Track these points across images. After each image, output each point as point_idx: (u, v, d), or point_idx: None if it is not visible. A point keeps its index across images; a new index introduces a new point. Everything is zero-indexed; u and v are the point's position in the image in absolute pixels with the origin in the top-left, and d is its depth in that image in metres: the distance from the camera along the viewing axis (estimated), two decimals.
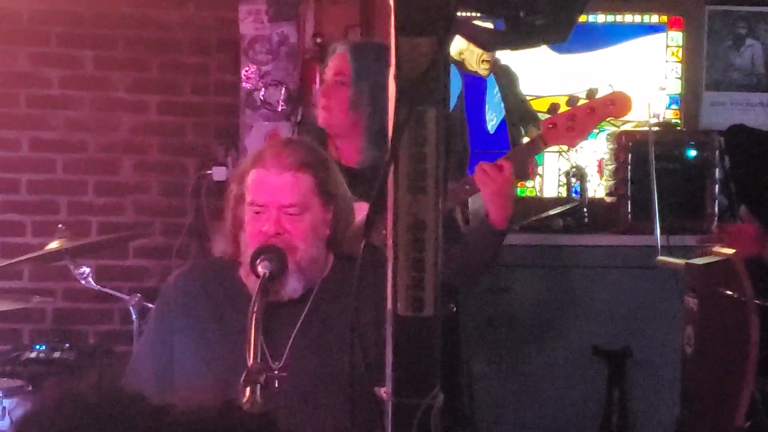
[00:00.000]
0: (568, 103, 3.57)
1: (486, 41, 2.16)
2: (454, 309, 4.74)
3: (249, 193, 2.78)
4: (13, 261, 4.50)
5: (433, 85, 1.77)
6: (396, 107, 1.76)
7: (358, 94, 3.72)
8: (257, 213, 2.75)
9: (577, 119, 3.50)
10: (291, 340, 2.80)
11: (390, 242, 1.78)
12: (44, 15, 5.34)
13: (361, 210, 3.03)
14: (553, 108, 4.40)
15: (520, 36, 2.02)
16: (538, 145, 3.67)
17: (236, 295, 2.82)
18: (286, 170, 2.75)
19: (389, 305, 1.79)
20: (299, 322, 2.81)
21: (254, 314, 2.58)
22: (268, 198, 2.75)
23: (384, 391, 1.81)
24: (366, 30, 5.15)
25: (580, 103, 3.56)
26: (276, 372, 2.47)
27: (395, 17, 1.76)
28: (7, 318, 5.06)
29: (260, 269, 2.72)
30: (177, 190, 5.36)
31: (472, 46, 5.16)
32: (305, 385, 2.73)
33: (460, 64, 5.25)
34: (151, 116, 5.42)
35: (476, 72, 5.25)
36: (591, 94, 3.58)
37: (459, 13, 1.83)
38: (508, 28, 2.00)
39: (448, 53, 1.84)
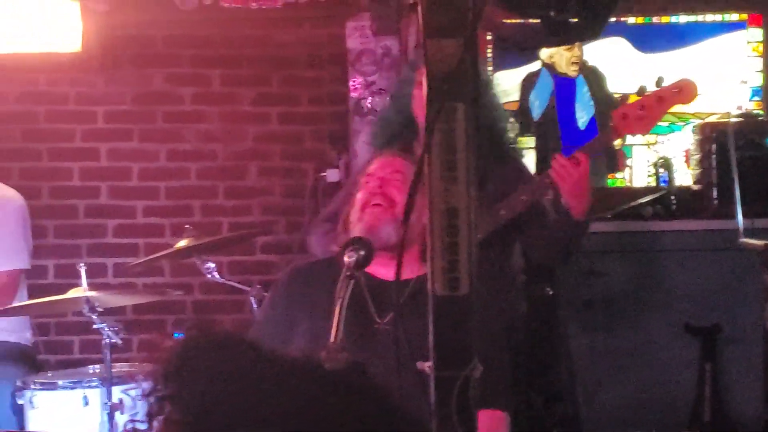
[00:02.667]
0: (637, 93, 3.47)
1: (522, 40, 2.13)
2: (551, 292, 4.70)
3: (368, 175, 3.04)
4: (148, 258, 4.62)
5: (461, 82, 1.75)
6: (427, 104, 1.75)
7: None
8: (366, 183, 2.99)
9: (647, 108, 3.42)
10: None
11: (427, 228, 1.77)
12: (176, 39, 5.45)
13: None
14: (624, 99, 4.30)
15: (554, 34, 1.99)
16: (610, 136, 3.59)
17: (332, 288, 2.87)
18: (396, 158, 3.05)
19: (429, 286, 1.79)
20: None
21: (339, 299, 2.62)
22: (376, 171, 3.03)
23: (427, 366, 1.80)
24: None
25: (648, 92, 3.48)
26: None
27: (424, 20, 1.75)
28: (152, 309, 5.18)
29: (346, 258, 2.75)
30: (297, 191, 5.41)
31: (561, 50, 5.09)
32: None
33: (551, 67, 5.19)
34: (273, 126, 5.49)
35: (566, 73, 5.18)
36: (659, 82, 3.49)
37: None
38: (542, 26, 1.97)
39: (476, 52, 1.82)
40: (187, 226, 4.41)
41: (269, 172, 5.48)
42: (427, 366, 1.78)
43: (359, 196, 2.96)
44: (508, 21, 3.04)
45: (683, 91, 3.44)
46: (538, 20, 2.00)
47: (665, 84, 3.46)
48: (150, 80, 5.46)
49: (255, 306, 4.24)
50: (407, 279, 2.80)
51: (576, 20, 1.96)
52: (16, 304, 4.70)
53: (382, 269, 2.91)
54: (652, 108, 3.42)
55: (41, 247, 5.05)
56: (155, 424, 1.31)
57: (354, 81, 5.20)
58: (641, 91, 3.45)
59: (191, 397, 1.28)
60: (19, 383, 4.33)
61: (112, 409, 4.00)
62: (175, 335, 5.01)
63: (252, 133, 5.49)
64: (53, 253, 5.40)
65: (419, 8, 1.73)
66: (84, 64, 5.30)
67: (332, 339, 2.47)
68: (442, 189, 1.75)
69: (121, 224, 5.47)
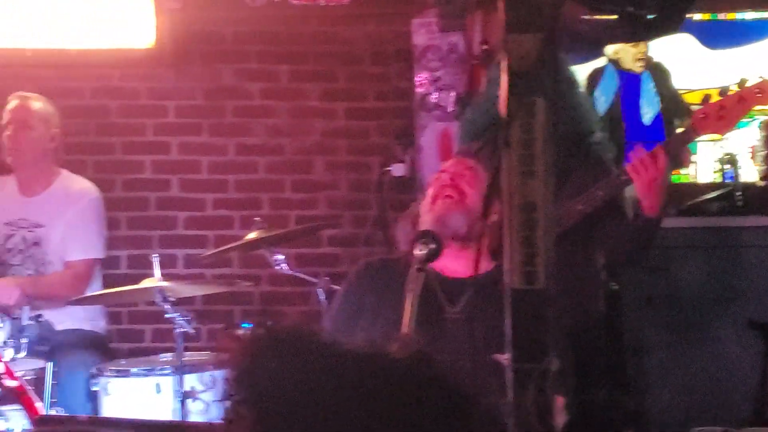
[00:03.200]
0: (719, 93, 3.43)
1: (597, 36, 2.11)
2: (615, 287, 4.66)
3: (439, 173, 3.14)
4: (219, 249, 4.66)
5: (540, 77, 1.74)
6: (507, 98, 1.75)
7: None
8: (436, 179, 3.08)
9: (727, 109, 3.39)
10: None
11: (505, 222, 1.77)
12: (245, 36, 5.48)
13: None
14: (705, 99, 4.28)
15: (631, 30, 1.97)
16: (690, 135, 3.56)
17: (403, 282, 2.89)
18: (466, 158, 3.19)
19: (506, 279, 1.78)
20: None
21: (411, 291, 2.64)
22: (446, 169, 3.10)
23: (504, 358, 1.80)
24: None
25: (731, 92, 3.44)
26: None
27: (504, 16, 1.74)
28: (220, 300, 5.21)
29: (416, 251, 2.77)
30: (363, 185, 5.42)
31: (627, 46, 5.05)
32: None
33: (616, 63, 5.14)
34: (339, 121, 5.50)
35: (631, 69, 5.14)
36: (742, 83, 3.45)
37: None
38: (620, 22, 1.96)
39: (556, 48, 1.81)
40: (256, 219, 4.44)
41: (335, 166, 5.49)
42: (504, 358, 1.77)
43: (430, 190, 2.98)
44: (585, 17, 3.03)
45: (764, 92, 3.39)
46: (615, 16, 1.99)
47: (748, 84, 3.42)
48: (220, 76, 5.49)
49: (322, 298, 4.26)
50: (477, 274, 2.80)
51: (653, 16, 1.94)
52: (91, 293, 4.78)
53: (452, 263, 2.92)
54: (733, 109, 3.38)
55: (114, 238, 5.11)
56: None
57: (420, 77, 5.19)
58: (723, 92, 3.41)
59: (262, 395, 1.29)
60: (93, 370, 4.39)
61: (184, 397, 4.05)
62: (243, 325, 5.05)
63: (319, 128, 5.51)
64: (126, 244, 5.46)
65: (500, 4, 1.72)
66: (156, 59, 5.35)
67: (403, 330, 2.48)
68: (519, 183, 1.74)
69: (191, 216, 5.52)
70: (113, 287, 4.87)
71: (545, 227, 1.74)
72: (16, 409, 3.95)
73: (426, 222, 2.93)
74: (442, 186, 2.99)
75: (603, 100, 5.16)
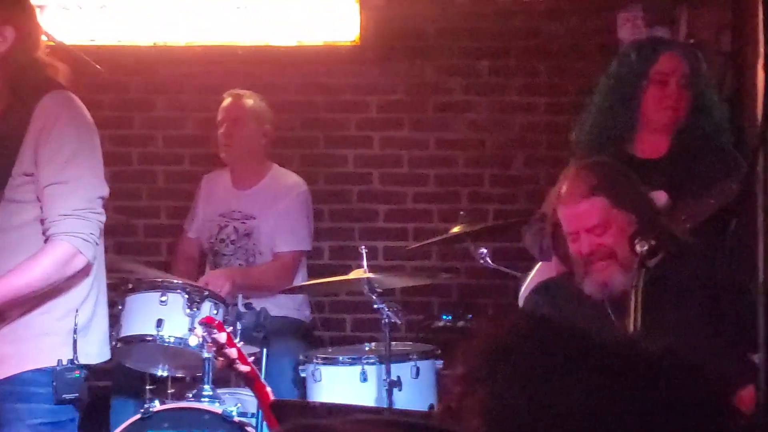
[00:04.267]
0: None
1: None
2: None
3: (563, 225, 3.04)
4: (424, 243, 4.72)
5: None
6: (765, 96, 1.70)
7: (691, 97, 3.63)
8: (573, 240, 2.98)
9: None
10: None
11: (759, 223, 1.73)
12: (448, 32, 5.52)
13: (658, 198, 3.09)
14: None
15: None
16: None
17: (578, 298, 2.98)
18: (580, 199, 2.98)
19: (760, 278, 1.74)
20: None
21: (634, 287, 2.64)
22: (575, 227, 2.97)
23: (755, 357, 1.77)
24: (737, 31, 4.95)
25: None
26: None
27: (764, 15, 1.70)
28: (419, 292, 5.27)
29: (638, 247, 2.75)
30: None
31: None
32: None
33: None
34: (540, 116, 5.48)
35: None
36: None
37: None
38: None
39: None
40: (461, 213, 4.48)
41: (535, 161, 5.47)
42: (755, 357, 1.74)
43: (574, 247, 2.97)
44: None
45: None
46: None
47: None
48: (421, 71, 5.55)
49: None
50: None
51: None
52: (296, 283, 4.91)
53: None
54: None
55: (317, 230, 5.23)
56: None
57: None
58: None
59: (508, 375, 1.30)
60: (301, 357, 4.52)
61: (390, 386, 4.11)
62: (443, 317, 5.10)
63: (519, 122, 5.50)
64: (329, 235, 5.58)
65: (760, 3, 1.68)
66: (360, 55, 5.45)
67: (631, 327, 2.46)
68: None
69: (392, 209, 5.60)
70: (317, 277, 5.01)
71: None
72: (248, 393, 4.11)
73: (586, 287, 2.92)
74: (590, 252, 2.93)
75: None
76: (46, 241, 3.12)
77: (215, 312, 4.24)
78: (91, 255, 3.15)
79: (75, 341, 3.19)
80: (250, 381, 2.73)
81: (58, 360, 3.16)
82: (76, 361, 3.18)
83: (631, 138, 3.71)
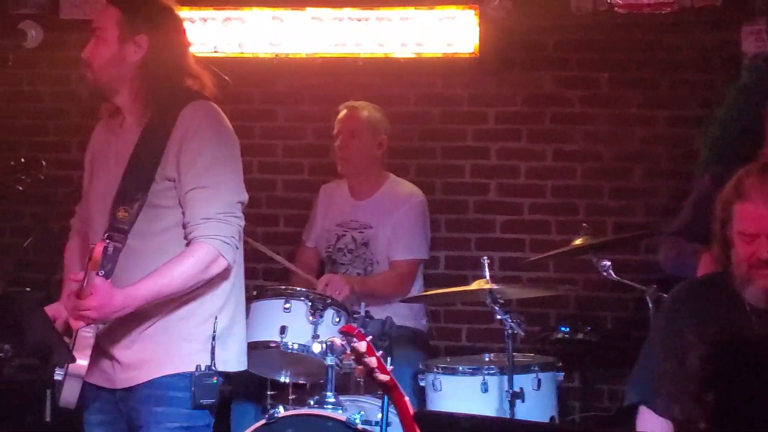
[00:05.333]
0: None
1: None
2: None
3: (737, 223, 2.74)
4: (547, 254, 4.69)
5: None
6: None
7: None
8: (748, 242, 2.72)
9: None
10: None
11: None
12: (567, 44, 5.49)
13: None
14: None
15: None
16: None
17: (734, 305, 2.80)
18: None
19: None
20: None
21: None
22: (758, 228, 2.70)
23: None
24: None
25: None
26: None
27: None
28: (536, 303, 5.23)
29: None
30: (683, 194, 5.28)
31: None
32: None
33: None
34: (660, 129, 5.40)
35: None
36: None
37: None
38: None
39: None
40: (584, 225, 4.44)
41: (655, 174, 5.40)
42: None
43: (745, 249, 2.73)
44: None
45: None
46: None
47: None
48: (540, 83, 5.52)
49: (651, 306, 4.18)
50: None
51: None
52: (413, 292, 4.91)
53: None
54: None
55: (434, 240, 5.24)
56: None
57: None
58: None
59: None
60: (421, 366, 4.52)
61: (513, 397, 4.09)
62: (561, 329, 5.05)
63: (638, 135, 5.43)
64: (445, 245, 5.59)
65: None
66: (478, 67, 5.45)
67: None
68: None
69: (508, 220, 5.58)
70: (433, 286, 5.01)
71: None
72: (368, 401, 4.13)
73: (748, 293, 2.75)
74: (759, 259, 2.70)
75: None
76: (187, 244, 3.18)
77: (338, 320, 4.28)
78: (231, 258, 3.22)
79: (213, 348, 3.24)
80: (389, 390, 2.73)
81: (197, 366, 3.22)
82: (213, 368, 3.24)
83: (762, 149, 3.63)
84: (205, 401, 3.22)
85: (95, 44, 3.27)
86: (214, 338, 3.24)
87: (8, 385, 4.73)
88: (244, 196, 3.30)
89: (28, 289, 3.00)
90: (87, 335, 3.19)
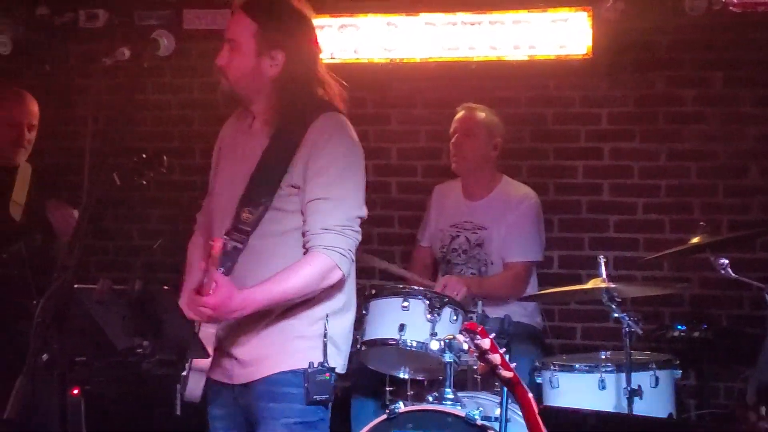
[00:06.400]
0: None
1: None
2: None
3: None
4: (664, 253, 4.67)
5: None
6: None
7: None
8: None
9: None
10: None
11: None
12: (680, 44, 5.46)
13: None
14: None
15: None
16: None
17: None
18: None
19: None
20: None
21: None
22: None
23: None
24: None
25: None
26: None
27: None
28: (650, 302, 5.20)
29: None
30: None
31: None
32: None
33: None
34: None
35: None
36: None
37: None
38: None
39: None
40: (701, 224, 4.41)
41: None
42: None
43: None
44: None
45: None
46: None
47: None
48: (652, 83, 5.50)
49: None
50: None
51: None
52: (528, 292, 4.93)
53: None
54: None
55: (548, 240, 5.24)
56: None
57: None
58: None
59: None
60: (538, 363, 4.54)
61: (631, 394, 4.09)
62: (677, 327, 5.02)
63: (753, 133, 5.37)
64: (558, 245, 5.60)
65: None
66: (591, 68, 5.45)
67: None
68: None
69: (622, 219, 5.56)
70: (546, 286, 5.02)
71: None
72: (486, 397, 4.17)
73: None
74: None
75: None
76: (305, 252, 3.24)
77: (455, 318, 4.32)
78: (347, 270, 3.26)
79: (325, 345, 3.29)
80: (512, 386, 2.76)
81: (310, 362, 3.27)
82: (326, 364, 3.28)
83: None
84: (318, 397, 3.26)
85: (230, 54, 3.27)
86: (325, 336, 3.29)
87: (144, 379, 4.90)
88: (364, 211, 3.32)
89: (165, 287, 3.07)
90: (209, 331, 3.28)
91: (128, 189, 4.54)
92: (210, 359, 3.29)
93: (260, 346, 3.30)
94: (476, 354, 2.80)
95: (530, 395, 2.75)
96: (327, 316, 3.30)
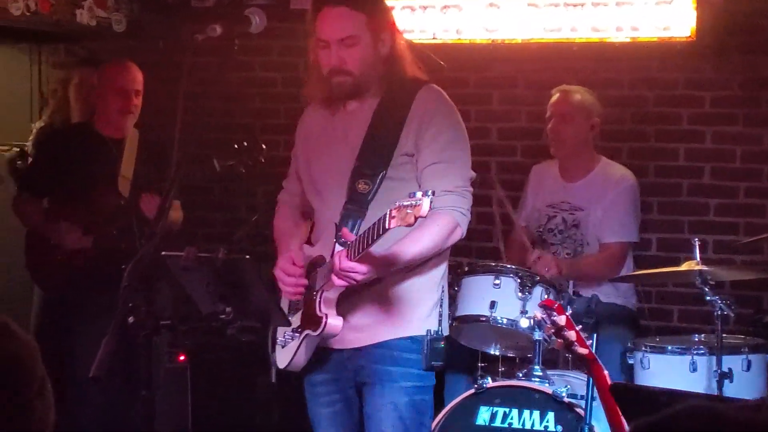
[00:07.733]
0: None
1: None
2: None
3: None
4: (756, 238, 4.54)
5: None
6: None
7: None
8: None
9: None
10: None
11: None
12: None
13: None
14: None
15: None
16: None
17: None
18: None
19: None
20: None
21: None
22: None
23: None
24: None
25: None
26: None
27: None
28: (749, 286, 5.09)
29: None
30: None
31: None
32: None
33: None
34: None
35: None
36: None
37: None
38: None
39: None
40: None
41: None
42: None
43: None
44: None
45: None
46: None
47: None
48: (758, 67, 5.35)
49: None
50: None
51: None
52: (623, 273, 4.87)
53: None
54: None
55: (646, 222, 5.18)
56: None
57: None
58: None
59: None
60: (630, 344, 4.49)
61: (721, 377, 4.02)
62: None
63: None
64: (657, 227, 5.51)
65: None
66: (695, 51, 5.33)
67: None
68: None
69: (722, 203, 5.45)
70: (644, 268, 4.95)
71: None
72: (575, 376, 4.15)
73: None
74: None
75: None
76: None
77: (546, 297, 4.28)
78: (465, 229, 3.39)
79: (440, 314, 3.43)
80: (587, 363, 2.75)
81: (428, 330, 3.40)
82: (441, 333, 3.42)
83: None
84: (435, 363, 3.41)
85: (349, 50, 3.34)
86: (440, 305, 3.43)
87: (233, 346, 4.99)
88: (473, 174, 3.47)
89: (247, 256, 3.12)
90: (331, 297, 3.34)
91: (227, 177, 4.64)
92: (341, 321, 3.32)
93: (377, 311, 3.41)
94: (553, 330, 2.80)
95: (605, 372, 2.73)
96: (441, 285, 3.45)
